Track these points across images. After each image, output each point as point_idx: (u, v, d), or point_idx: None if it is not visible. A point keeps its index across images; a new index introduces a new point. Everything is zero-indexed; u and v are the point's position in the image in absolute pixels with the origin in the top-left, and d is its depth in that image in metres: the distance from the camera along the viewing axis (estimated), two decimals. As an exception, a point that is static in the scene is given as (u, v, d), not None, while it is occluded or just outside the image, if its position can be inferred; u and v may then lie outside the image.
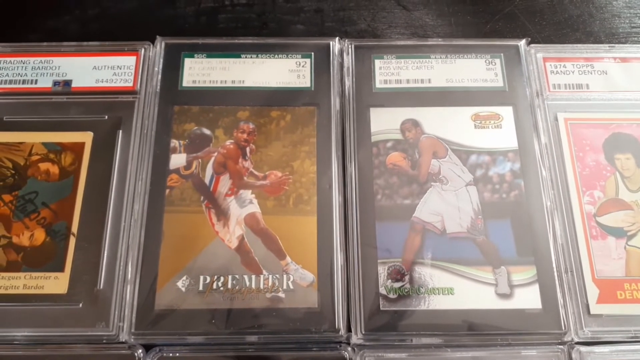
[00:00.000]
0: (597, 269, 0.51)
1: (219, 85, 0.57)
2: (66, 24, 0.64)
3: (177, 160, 0.55)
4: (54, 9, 0.65)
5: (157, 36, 0.60)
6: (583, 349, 0.48)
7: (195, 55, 0.59)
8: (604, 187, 0.55)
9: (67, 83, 0.58)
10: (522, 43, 0.59)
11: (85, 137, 0.55)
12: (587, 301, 0.50)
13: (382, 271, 0.51)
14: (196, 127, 0.56)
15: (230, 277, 0.50)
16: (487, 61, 0.59)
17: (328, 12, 0.64)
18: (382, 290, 0.50)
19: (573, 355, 0.48)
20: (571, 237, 0.52)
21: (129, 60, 0.59)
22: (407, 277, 0.51)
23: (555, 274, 0.50)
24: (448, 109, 0.56)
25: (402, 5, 0.63)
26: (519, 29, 0.62)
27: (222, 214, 0.53)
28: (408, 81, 0.58)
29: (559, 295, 0.50)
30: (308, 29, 0.62)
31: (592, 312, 0.49)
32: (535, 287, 0.50)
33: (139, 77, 0.58)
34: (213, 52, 0.59)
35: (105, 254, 0.50)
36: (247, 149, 0.55)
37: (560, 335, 0.48)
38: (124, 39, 0.60)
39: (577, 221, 0.53)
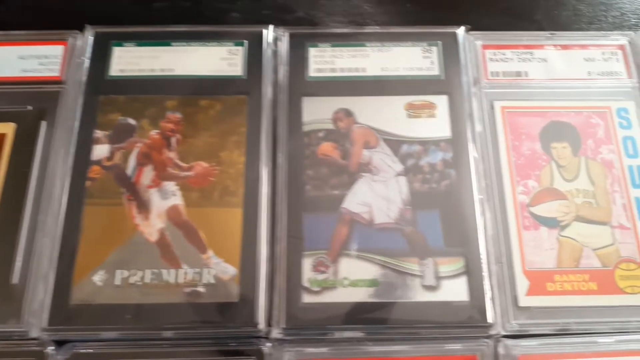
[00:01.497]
0: (528, 260, 0.50)
1: (147, 74, 0.56)
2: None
3: (100, 151, 0.53)
4: (-19, -3, 0.64)
5: (86, 25, 0.59)
6: (509, 342, 0.47)
7: (125, 44, 0.57)
8: (538, 176, 0.53)
9: (-8, 73, 0.58)
10: (461, 30, 0.58)
11: (7, 129, 0.53)
12: (516, 293, 0.48)
13: (307, 263, 0.50)
14: (121, 117, 0.54)
15: (148, 271, 0.48)
16: (424, 49, 0.57)
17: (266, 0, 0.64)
18: (306, 283, 0.48)
19: (499, 349, 0.47)
20: (503, 227, 0.51)
21: (56, 50, 0.57)
22: (331, 269, 0.49)
23: (484, 265, 0.49)
24: (382, 98, 0.55)
25: (341, -8, 0.63)
26: (461, 16, 0.60)
27: (144, 207, 0.51)
28: (343, 70, 0.56)
29: (487, 287, 0.48)
30: (244, 17, 0.61)
31: (520, 304, 0.48)
32: (463, 279, 0.48)
33: (66, 66, 0.56)
34: (143, 40, 0.57)
35: (21, 248, 0.49)
36: (173, 139, 0.53)
37: (486, 328, 0.47)
38: (55, 27, 0.58)
39: (510, 211, 0.51)
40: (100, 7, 0.62)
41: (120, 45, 0.57)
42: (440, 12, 0.62)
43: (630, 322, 0.48)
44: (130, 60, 0.56)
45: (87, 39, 0.58)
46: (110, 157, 0.53)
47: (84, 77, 0.55)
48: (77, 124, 0.54)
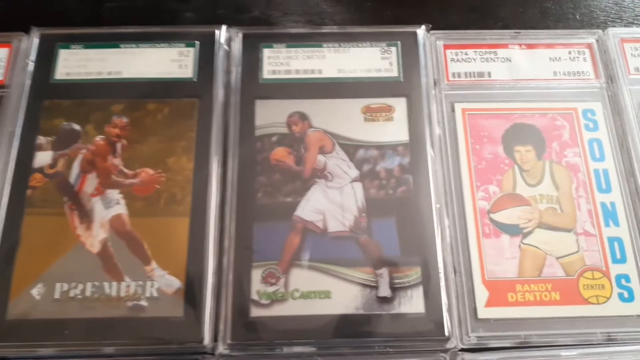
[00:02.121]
0: (488, 270, 0.48)
1: (94, 77, 0.53)
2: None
3: (43, 158, 0.50)
4: None
5: (32, 26, 0.56)
6: (467, 356, 0.44)
7: (72, 46, 0.55)
8: (500, 181, 0.51)
9: None
10: (421, 30, 0.56)
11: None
12: (475, 304, 0.46)
13: (257, 275, 0.47)
14: (65, 123, 0.52)
15: (89, 284, 0.46)
16: (383, 50, 0.55)
17: (221, -1, 0.61)
18: (254, 296, 0.46)
19: (457, 364, 0.46)
20: (461, 235, 0.48)
21: (0, 53, 0.55)
22: (282, 281, 0.47)
23: (441, 275, 0.46)
24: (338, 101, 0.52)
25: (299, -9, 0.61)
26: (424, 15, 0.58)
27: (86, 216, 0.48)
28: (298, 72, 0.54)
29: (444, 298, 0.46)
30: (198, 17, 0.58)
31: (479, 316, 0.46)
32: (419, 290, 0.46)
33: (10, 70, 0.53)
34: (91, 42, 0.55)
35: (-45, 261, 0.48)
36: (118, 145, 0.51)
37: (443, 341, 0.44)
38: (1, 29, 0.57)
39: (469, 218, 0.49)
40: (47, 7, 0.59)
41: (66, 47, 0.55)
42: (402, 10, 0.59)
43: (595, 334, 0.45)
44: (76, 63, 0.54)
45: (32, 41, 0.55)
46: (53, 165, 0.51)
47: (28, 81, 0.53)
48: (18, 130, 0.51)
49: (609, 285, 0.47)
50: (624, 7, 0.61)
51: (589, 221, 0.49)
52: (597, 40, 0.57)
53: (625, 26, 0.60)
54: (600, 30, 0.57)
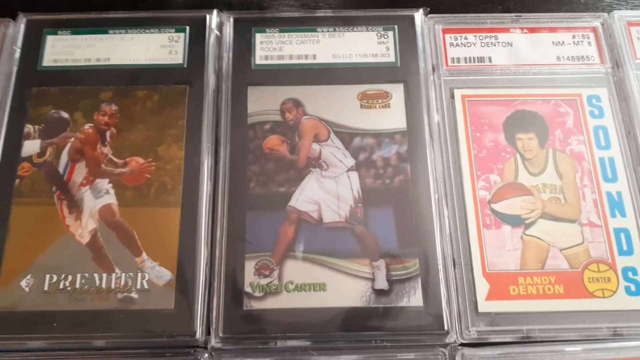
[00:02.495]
0: (489, 262, 0.46)
1: (82, 64, 0.52)
2: None
3: (30, 147, 0.49)
4: None
5: (19, 12, 0.55)
6: (467, 351, 0.43)
7: (59, 32, 0.53)
8: (501, 170, 0.49)
9: None
10: (419, 13, 0.54)
11: None
12: (475, 298, 0.45)
13: (250, 267, 0.46)
14: (53, 111, 0.50)
15: (79, 275, 0.45)
16: (379, 34, 0.53)
17: (213, -18, 0.59)
18: (248, 288, 0.45)
19: (456, 359, 0.43)
20: (461, 226, 0.47)
21: (-14, 39, 0.56)
22: (276, 273, 0.46)
23: (440, 267, 0.45)
24: (333, 87, 0.51)
25: (294, -26, 0.59)
26: (422, -2, 0.58)
27: (75, 206, 0.47)
28: (291, 57, 0.52)
29: (443, 291, 0.44)
30: (189, 1, 0.56)
31: (480, 309, 0.44)
32: (417, 282, 0.45)
33: (-4, 57, 0.55)
34: (78, 28, 0.53)
35: (-60, 252, 0.47)
36: (108, 133, 0.50)
37: (442, 336, 0.43)
38: None
39: (469, 209, 0.47)
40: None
41: (54, 33, 0.53)
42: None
43: (600, 329, 0.44)
44: (64, 50, 0.52)
45: (19, 27, 0.54)
46: (41, 154, 0.49)
47: (15, 68, 0.52)
48: (6, 118, 0.50)
49: (615, 278, 0.45)
50: (631, -11, 0.60)
51: (594, 211, 0.48)
52: (602, 24, 0.55)
53: (631, 9, 0.58)
54: (605, 14, 0.55)
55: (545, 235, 0.47)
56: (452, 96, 0.51)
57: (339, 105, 0.50)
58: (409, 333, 0.43)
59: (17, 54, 0.52)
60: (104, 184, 0.48)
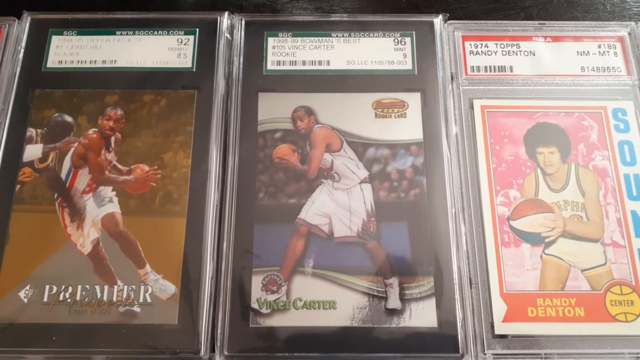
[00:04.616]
0: (507, 282, 0.44)
1: (87, 66, 0.50)
2: None
3: (32, 151, 0.48)
4: None
5: (24, 11, 0.53)
6: (482, 375, 0.43)
7: (65, 32, 0.51)
8: (521, 185, 0.47)
9: None
10: (438, 19, 0.52)
11: None
12: (492, 319, 0.43)
13: (257, 282, 0.44)
14: (57, 114, 0.49)
15: (79, 287, 0.43)
16: (396, 40, 0.51)
17: (223, -17, 0.57)
18: (254, 304, 0.43)
19: (471, 383, 0.43)
20: (479, 243, 0.45)
21: (-10, 38, 0.54)
22: (284, 289, 0.44)
23: (456, 287, 0.43)
24: (347, 95, 0.49)
25: (308, -25, 0.57)
26: (440, 3, 0.54)
27: (77, 214, 0.46)
28: (304, 63, 0.50)
29: (459, 311, 0.42)
30: (199, 2, 0.55)
31: (496, 331, 0.42)
32: (432, 302, 0.43)
33: (0, 57, 0.51)
34: (85, 28, 0.52)
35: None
36: (112, 139, 0.48)
37: (457, 359, 0.41)
38: None
39: (487, 225, 0.45)
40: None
41: (59, 33, 0.51)
42: (418, -2, 0.57)
43: (623, 355, 0.42)
44: (69, 51, 0.51)
45: (24, 27, 0.52)
46: (43, 159, 0.48)
47: (18, 69, 0.50)
48: (7, 121, 0.48)
49: (639, 301, 0.44)
50: (660, -2, 0.58)
51: (618, 231, 0.46)
52: (630, 33, 0.52)
53: (660, 18, 0.57)
54: (632, 23, 0.53)
55: (565, 255, 0.45)
56: (471, 107, 0.49)
57: (353, 114, 0.48)
58: (422, 356, 0.41)
59: (21, 55, 0.51)
60: (107, 191, 0.46)
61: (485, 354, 0.42)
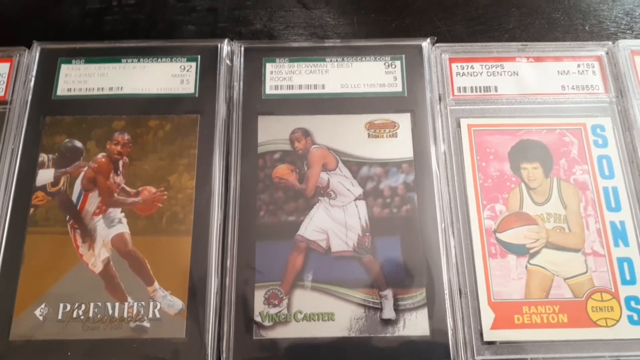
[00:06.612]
0: (495, 291, 0.47)
1: (95, 93, 0.53)
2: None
3: (45, 176, 0.50)
4: None
5: (34, 41, 0.56)
6: (473, 380, 0.46)
7: (73, 61, 0.54)
8: (507, 199, 0.50)
9: None
10: (426, 43, 0.55)
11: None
12: (480, 326, 0.46)
13: (260, 296, 0.47)
14: (67, 140, 0.51)
15: (92, 304, 0.46)
16: (387, 64, 0.54)
17: (222, 11, 0.59)
18: (257, 317, 0.46)
19: (462, 387, 0.46)
20: (467, 255, 0.48)
21: (2, 68, 0.54)
22: (285, 302, 0.47)
23: (447, 297, 0.46)
24: (341, 117, 0.52)
25: (302, 3, 0.58)
26: (428, 26, 0.57)
27: (88, 235, 0.48)
28: (300, 87, 0.53)
29: (450, 320, 0.45)
30: (200, 29, 0.58)
31: (485, 338, 0.45)
32: (424, 312, 0.45)
33: (11, 86, 0.53)
34: (92, 57, 0.54)
35: (-43, 281, 0.48)
36: (120, 163, 0.51)
37: (448, 365, 0.46)
38: (2, 44, 0.57)
39: (475, 238, 0.48)
40: (48, 20, 0.58)
41: (68, 62, 0.54)
42: (407, 21, 0.58)
43: (604, 358, 0.45)
44: (77, 79, 0.54)
45: (34, 56, 0.55)
46: (55, 183, 0.51)
47: (29, 97, 0.53)
48: (21, 147, 0.51)
49: (618, 307, 0.46)
50: (635, 18, 0.59)
51: (598, 241, 0.48)
52: (607, 53, 0.55)
53: (636, 38, 0.58)
54: (610, 42, 0.56)
55: (549, 264, 0.48)
56: (459, 125, 0.52)
57: (347, 134, 0.51)
58: (416, 362, 0.46)
59: (32, 83, 0.53)
60: (116, 213, 0.49)
61: (475, 360, 0.46)
